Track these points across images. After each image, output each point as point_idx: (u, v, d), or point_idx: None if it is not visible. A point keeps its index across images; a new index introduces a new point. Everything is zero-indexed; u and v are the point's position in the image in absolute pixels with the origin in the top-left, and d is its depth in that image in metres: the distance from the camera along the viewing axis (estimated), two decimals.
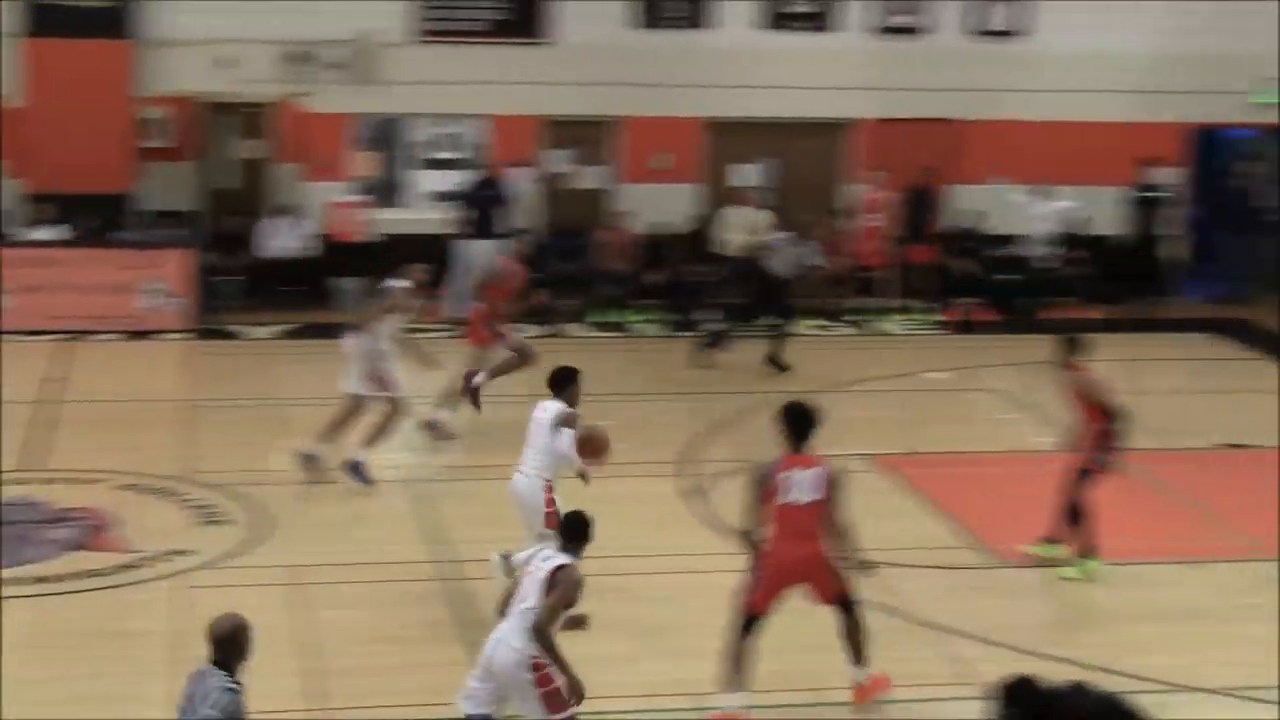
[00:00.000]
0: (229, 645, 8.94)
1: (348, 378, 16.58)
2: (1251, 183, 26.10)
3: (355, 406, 16.58)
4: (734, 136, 25.17)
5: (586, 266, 24.62)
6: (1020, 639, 13.34)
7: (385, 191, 25.27)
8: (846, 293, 24.97)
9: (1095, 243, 25.79)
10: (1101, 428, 14.67)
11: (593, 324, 23.97)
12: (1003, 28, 25.89)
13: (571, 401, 13.27)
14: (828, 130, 25.60)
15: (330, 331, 18.76)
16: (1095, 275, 25.55)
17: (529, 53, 24.68)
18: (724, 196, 24.67)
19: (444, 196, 24.41)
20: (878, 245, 25.06)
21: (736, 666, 11.76)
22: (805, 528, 11.75)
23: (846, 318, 24.47)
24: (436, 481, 17.01)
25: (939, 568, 15.09)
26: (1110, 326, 23.72)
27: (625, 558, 13.91)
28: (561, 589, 10.26)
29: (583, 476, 12.90)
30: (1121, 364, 22.93)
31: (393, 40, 24.31)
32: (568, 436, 12.95)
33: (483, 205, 23.79)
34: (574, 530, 10.59)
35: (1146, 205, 25.97)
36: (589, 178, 25.51)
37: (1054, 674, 8.31)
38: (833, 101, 25.29)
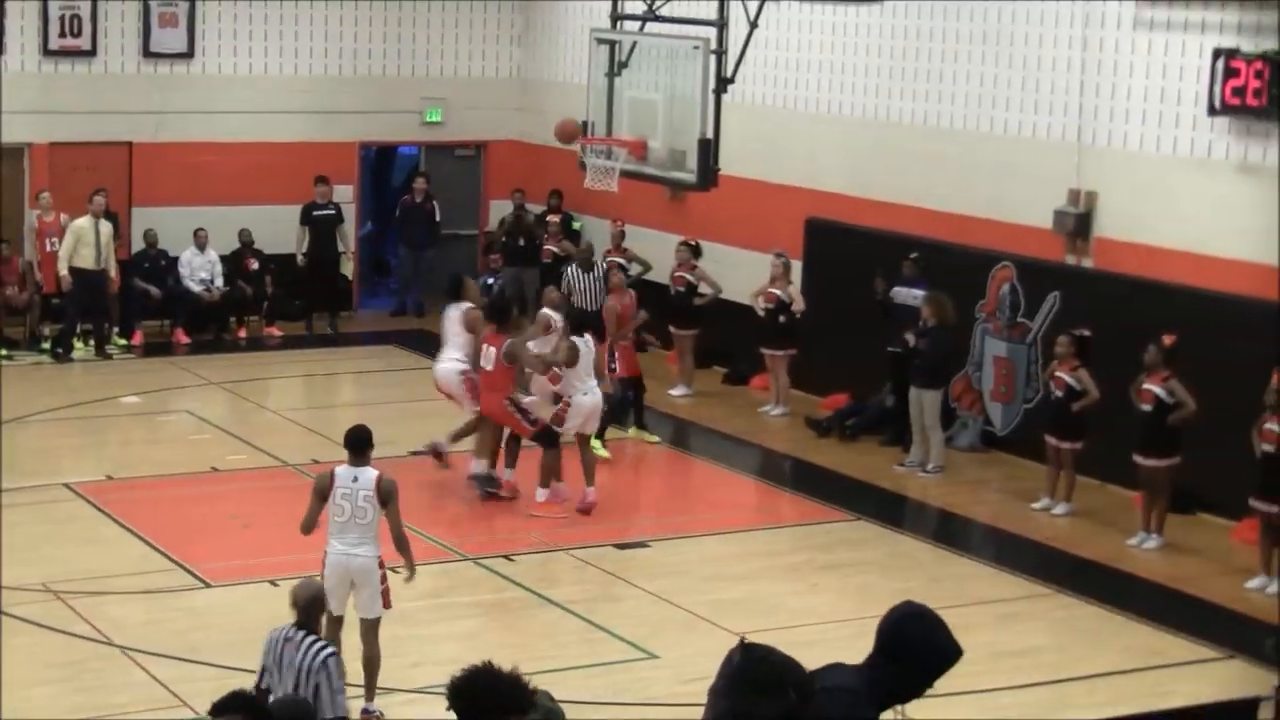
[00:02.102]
0: (313, 609, 9.82)
1: None
2: (421, 198, 26.92)
3: None
4: None
5: None
6: (221, 655, 13.56)
7: None
8: (35, 319, 24.36)
9: (280, 261, 25.99)
10: None
11: None
12: (173, 50, 25.83)
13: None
14: (2, 155, 24.83)
15: None
16: (280, 294, 25.74)
17: None
18: None
19: None
20: (57, 270, 24.37)
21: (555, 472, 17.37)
22: (495, 385, 17.38)
23: (43, 346, 23.97)
24: None
25: (144, 592, 15.11)
26: (298, 343, 24.20)
27: None
28: (395, 495, 12.29)
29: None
30: (320, 379, 23.48)
31: None
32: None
33: None
34: (360, 443, 12.43)
35: (324, 223, 26.35)
36: None
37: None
38: (5, 126, 24.54)
